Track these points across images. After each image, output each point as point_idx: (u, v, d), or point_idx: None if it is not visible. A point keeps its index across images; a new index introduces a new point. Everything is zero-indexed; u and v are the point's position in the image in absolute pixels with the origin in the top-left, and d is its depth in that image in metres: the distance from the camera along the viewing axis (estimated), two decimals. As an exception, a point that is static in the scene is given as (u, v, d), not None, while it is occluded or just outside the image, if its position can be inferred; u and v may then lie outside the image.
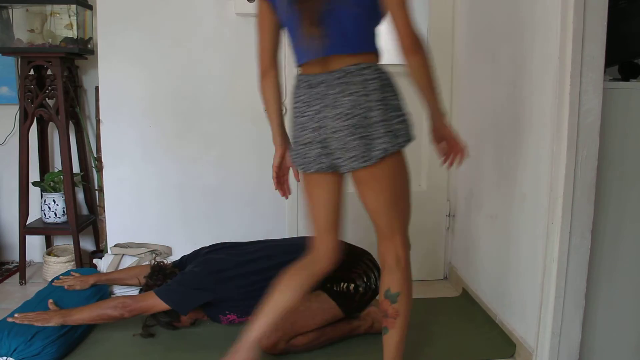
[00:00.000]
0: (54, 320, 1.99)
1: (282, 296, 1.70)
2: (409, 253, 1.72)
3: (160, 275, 2.18)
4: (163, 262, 2.31)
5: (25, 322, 1.96)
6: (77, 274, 2.41)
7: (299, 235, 2.77)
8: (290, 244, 2.24)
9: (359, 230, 2.69)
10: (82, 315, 2.02)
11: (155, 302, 2.01)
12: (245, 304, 2.09)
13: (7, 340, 1.90)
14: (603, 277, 1.93)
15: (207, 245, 2.32)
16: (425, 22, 2.77)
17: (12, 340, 1.90)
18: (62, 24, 2.76)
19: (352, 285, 2.08)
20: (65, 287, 2.31)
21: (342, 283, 2.07)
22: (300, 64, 1.64)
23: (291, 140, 1.71)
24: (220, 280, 2.05)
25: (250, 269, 2.08)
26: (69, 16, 2.73)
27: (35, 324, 1.96)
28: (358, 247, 2.25)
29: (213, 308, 2.12)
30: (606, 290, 1.95)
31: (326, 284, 2.07)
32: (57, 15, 2.75)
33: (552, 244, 1.85)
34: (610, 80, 1.91)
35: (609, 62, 1.80)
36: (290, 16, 1.57)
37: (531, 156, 2.03)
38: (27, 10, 2.74)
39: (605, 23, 1.74)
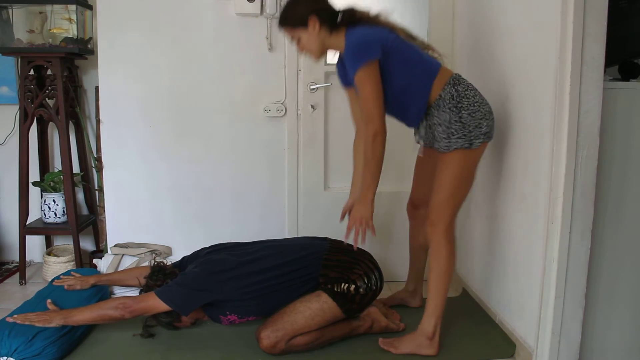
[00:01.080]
0: (55, 321, 1.98)
1: None
2: None
3: (160, 275, 2.18)
4: (163, 262, 2.31)
5: (27, 323, 1.96)
6: (77, 274, 2.42)
7: (299, 236, 2.78)
8: (290, 244, 2.24)
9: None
10: (83, 315, 2.02)
11: (156, 303, 2.01)
12: (246, 304, 2.08)
13: (8, 340, 1.90)
14: (603, 277, 1.94)
15: (207, 245, 2.32)
16: (425, 22, 2.78)
17: (13, 340, 1.90)
18: (61, 26, 2.77)
19: (353, 286, 2.07)
20: (66, 287, 2.31)
21: (343, 284, 2.07)
22: (438, 69, 2.03)
23: (485, 115, 2.00)
24: (221, 280, 2.05)
25: (251, 269, 2.08)
26: (69, 21, 2.73)
27: (37, 324, 1.96)
28: (358, 248, 2.24)
29: (214, 308, 2.12)
30: (606, 290, 1.95)
31: (327, 285, 2.07)
32: (59, 15, 2.75)
33: (552, 244, 1.86)
34: (610, 80, 1.91)
35: (609, 62, 1.81)
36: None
37: (531, 156, 2.03)
38: (40, 13, 2.74)
39: (605, 23, 1.75)
